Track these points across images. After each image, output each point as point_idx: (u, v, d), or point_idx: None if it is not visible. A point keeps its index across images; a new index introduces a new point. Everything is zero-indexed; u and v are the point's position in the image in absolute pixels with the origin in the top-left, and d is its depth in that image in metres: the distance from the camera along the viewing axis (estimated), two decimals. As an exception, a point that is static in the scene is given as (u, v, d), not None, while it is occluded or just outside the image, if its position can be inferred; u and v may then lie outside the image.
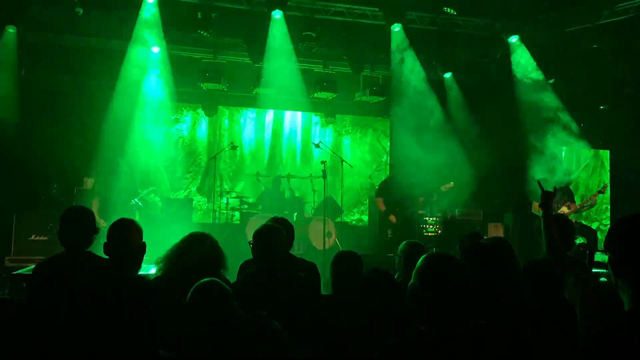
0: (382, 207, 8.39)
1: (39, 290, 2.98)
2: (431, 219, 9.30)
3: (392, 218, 8.21)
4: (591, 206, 7.99)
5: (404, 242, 3.76)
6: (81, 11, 7.88)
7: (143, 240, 3.12)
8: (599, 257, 2.51)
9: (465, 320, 1.88)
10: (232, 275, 3.48)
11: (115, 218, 6.40)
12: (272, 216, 4.23)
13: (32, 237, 7.60)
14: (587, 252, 2.70)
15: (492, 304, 2.36)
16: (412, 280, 1.98)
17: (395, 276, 3.61)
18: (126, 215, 6.72)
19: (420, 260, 1.99)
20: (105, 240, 3.06)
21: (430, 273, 1.94)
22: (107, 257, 3.04)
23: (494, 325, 1.95)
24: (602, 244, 8.97)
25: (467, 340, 1.85)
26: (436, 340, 1.85)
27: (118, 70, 8.81)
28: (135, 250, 3.03)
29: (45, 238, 7.42)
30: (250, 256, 3.76)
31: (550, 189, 3.60)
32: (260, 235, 3.17)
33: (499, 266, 2.51)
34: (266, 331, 2.45)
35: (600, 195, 8.26)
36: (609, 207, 10.89)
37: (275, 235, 3.16)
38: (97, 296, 2.26)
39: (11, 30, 7.94)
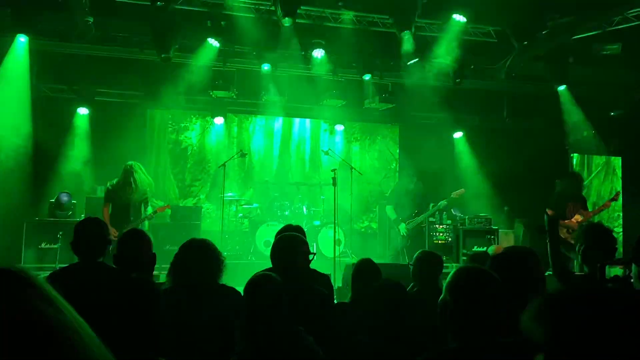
0: (393, 215, 8.33)
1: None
2: (441, 226, 9.24)
3: (404, 227, 8.15)
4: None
5: (419, 251, 3.71)
6: (91, 20, 7.93)
7: (153, 251, 3.11)
8: (615, 271, 2.41)
9: (496, 337, 1.82)
10: (241, 284, 3.44)
11: (125, 222, 6.43)
12: (281, 225, 4.20)
13: (42, 245, 7.61)
14: (598, 265, 2.57)
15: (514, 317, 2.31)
16: (443, 295, 1.92)
17: (410, 286, 3.56)
18: (136, 218, 6.77)
19: (451, 273, 1.94)
20: (116, 252, 3.06)
21: (463, 288, 1.88)
22: (117, 267, 3.03)
23: (523, 342, 1.90)
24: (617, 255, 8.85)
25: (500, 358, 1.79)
26: (469, 358, 1.79)
27: (128, 79, 8.86)
28: (145, 262, 3.02)
29: (55, 246, 7.42)
30: (259, 266, 3.74)
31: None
32: (284, 245, 3.10)
33: (524, 278, 2.45)
34: (303, 348, 2.40)
35: (613, 202, 8.17)
36: (621, 214, 10.78)
37: (299, 246, 3.09)
38: (108, 304, 2.23)
39: (22, 39, 7.98)
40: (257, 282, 2.47)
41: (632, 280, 2.40)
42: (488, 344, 1.80)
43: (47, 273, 3.41)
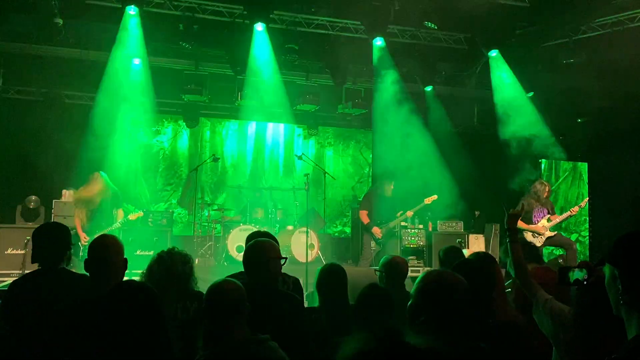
0: (366, 220, 8.38)
1: (11, 308, 2.92)
2: (413, 230, 9.34)
3: (376, 232, 8.20)
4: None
5: (385, 256, 3.75)
6: (61, 22, 7.81)
7: (124, 257, 3.09)
8: (577, 274, 2.44)
9: (463, 341, 1.83)
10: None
11: (97, 228, 6.35)
12: (254, 230, 4.21)
13: (9, 250, 7.46)
14: (559, 267, 2.61)
15: (481, 322, 2.35)
16: (411, 300, 1.93)
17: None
18: (108, 224, 6.70)
19: (419, 277, 1.94)
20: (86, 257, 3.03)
21: (431, 291, 1.89)
22: (88, 273, 3.00)
23: (488, 347, 1.92)
24: (580, 258, 9.02)
25: None
26: None
27: (98, 81, 8.73)
28: (116, 267, 3.00)
29: (22, 252, 7.27)
30: (231, 271, 3.73)
31: (518, 206, 3.54)
32: (257, 250, 3.09)
33: (484, 284, 2.50)
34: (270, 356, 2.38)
35: (579, 208, 8.34)
36: (587, 218, 11.02)
37: (272, 251, 3.09)
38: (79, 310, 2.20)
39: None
40: (217, 288, 2.46)
41: (585, 283, 2.44)
42: (451, 347, 1.82)
43: (13, 279, 3.36)
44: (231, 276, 3.60)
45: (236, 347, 2.30)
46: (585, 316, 2.34)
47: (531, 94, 9.80)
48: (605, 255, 1.72)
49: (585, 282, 2.39)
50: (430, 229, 9.52)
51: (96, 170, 7.01)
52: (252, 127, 11.18)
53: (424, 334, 1.86)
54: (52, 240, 3.09)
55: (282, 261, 3.13)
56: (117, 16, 7.78)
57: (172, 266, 3.09)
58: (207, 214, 9.62)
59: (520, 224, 7.72)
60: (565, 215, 7.81)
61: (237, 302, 2.39)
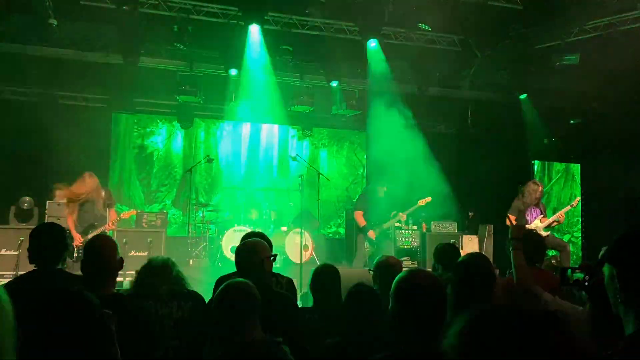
0: (361, 221, 8.38)
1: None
2: (407, 231, 9.37)
3: (371, 234, 8.23)
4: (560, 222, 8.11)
5: (380, 256, 3.77)
6: (55, 22, 7.80)
7: (120, 256, 3.12)
8: (578, 275, 2.48)
9: (440, 341, 1.85)
10: (208, 289, 3.45)
11: (91, 228, 6.35)
12: (249, 230, 4.24)
13: (2, 251, 7.44)
14: (560, 268, 2.64)
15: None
16: (390, 300, 1.95)
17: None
18: (101, 224, 6.69)
19: (397, 278, 1.96)
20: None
21: (407, 292, 1.92)
22: (85, 274, 3.01)
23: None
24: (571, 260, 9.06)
25: None
26: None
27: (93, 82, 8.73)
28: (111, 267, 3.01)
29: (15, 253, 7.25)
30: (225, 272, 3.75)
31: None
32: (247, 249, 3.12)
33: (482, 282, 2.53)
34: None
35: (571, 208, 8.39)
36: (580, 219, 11.10)
37: (262, 250, 3.12)
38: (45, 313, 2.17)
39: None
40: (237, 287, 2.45)
41: (586, 284, 2.47)
42: (431, 348, 1.83)
43: (7, 280, 3.36)
44: (224, 277, 3.63)
45: (252, 345, 2.32)
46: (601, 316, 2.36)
47: (524, 95, 9.86)
48: (604, 255, 1.76)
49: (586, 283, 2.43)
50: (424, 230, 9.55)
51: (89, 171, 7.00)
52: (246, 128, 11.18)
53: (399, 332, 1.88)
54: (50, 241, 3.10)
55: (271, 258, 3.17)
56: (112, 17, 7.77)
57: (157, 267, 3.13)
58: (201, 215, 9.63)
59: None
60: (553, 217, 7.82)
61: (257, 301, 2.40)
